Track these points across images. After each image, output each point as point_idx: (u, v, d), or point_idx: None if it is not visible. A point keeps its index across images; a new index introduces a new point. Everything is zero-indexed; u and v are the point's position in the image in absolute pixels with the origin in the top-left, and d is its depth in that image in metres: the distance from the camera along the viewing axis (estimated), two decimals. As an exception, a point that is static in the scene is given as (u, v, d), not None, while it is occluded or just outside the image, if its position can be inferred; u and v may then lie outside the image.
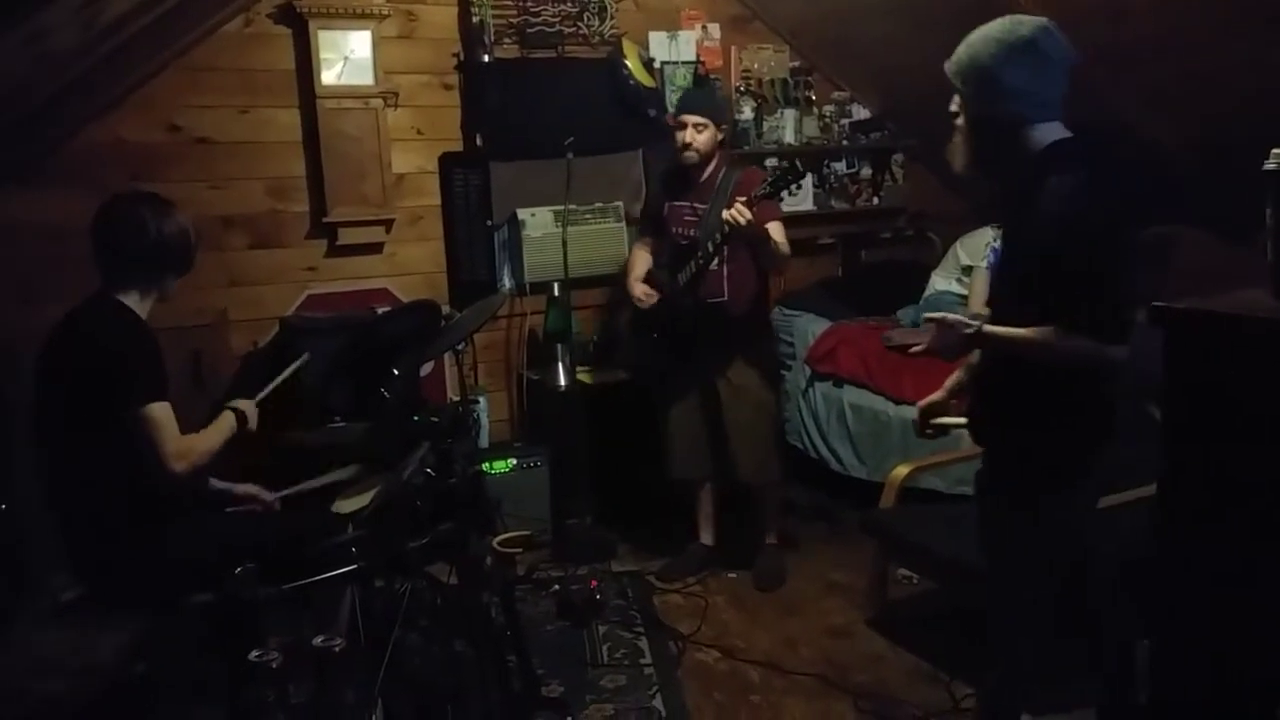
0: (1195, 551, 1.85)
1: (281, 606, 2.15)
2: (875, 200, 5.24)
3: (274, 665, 1.96)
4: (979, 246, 4.45)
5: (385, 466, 2.82)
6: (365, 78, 4.10)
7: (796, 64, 5.08)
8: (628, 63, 4.51)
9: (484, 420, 4.44)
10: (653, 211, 3.94)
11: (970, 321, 2.14)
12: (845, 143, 5.15)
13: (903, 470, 3.53)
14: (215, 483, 2.85)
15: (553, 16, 4.48)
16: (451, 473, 2.53)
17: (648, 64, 4.62)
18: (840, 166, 5.19)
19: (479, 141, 4.43)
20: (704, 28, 4.84)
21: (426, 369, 4.31)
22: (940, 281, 4.76)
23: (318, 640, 2.06)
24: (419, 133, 4.37)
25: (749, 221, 3.28)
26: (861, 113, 5.17)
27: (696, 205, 3.69)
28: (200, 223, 3.81)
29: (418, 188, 4.40)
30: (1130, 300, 2.04)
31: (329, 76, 4.05)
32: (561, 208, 4.21)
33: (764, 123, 4.95)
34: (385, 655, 2.25)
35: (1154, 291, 2.90)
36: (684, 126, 3.63)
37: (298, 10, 3.98)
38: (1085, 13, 3.45)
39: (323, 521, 2.74)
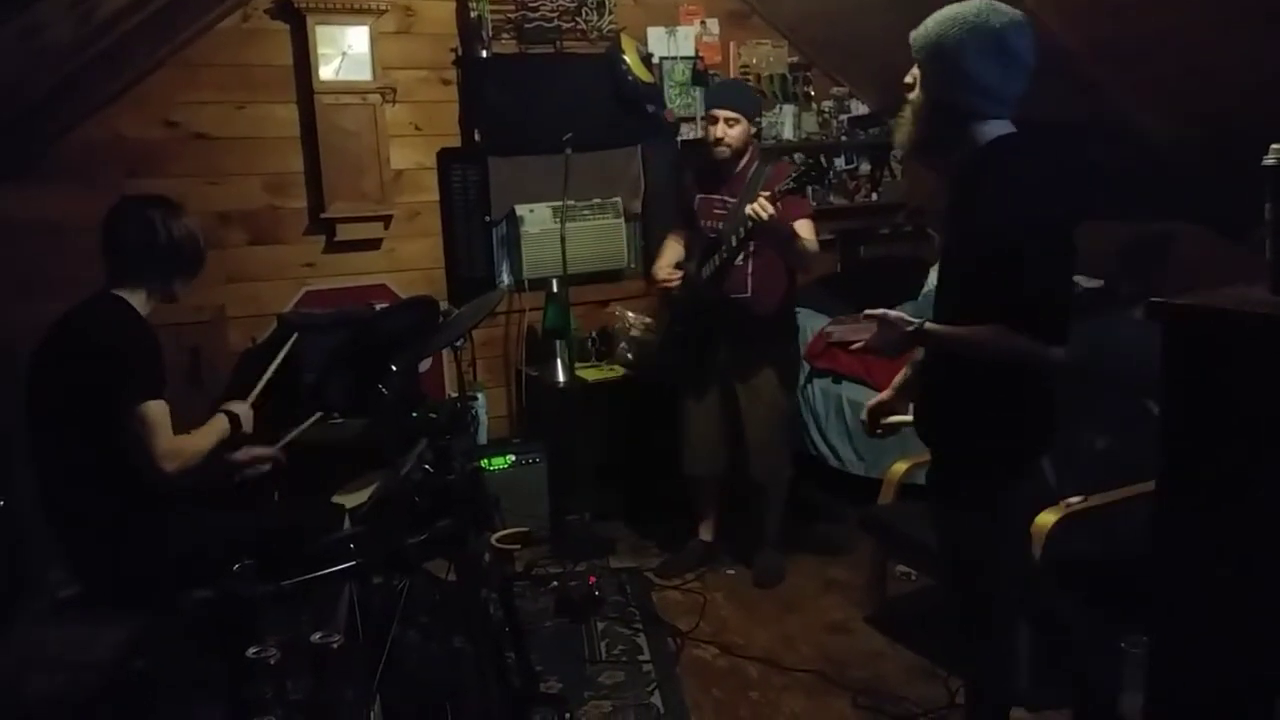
0: (1193, 547, 1.85)
1: (280, 603, 2.15)
2: (874, 196, 5.24)
3: (272, 662, 1.96)
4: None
5: (384, 463, 2.82)
6: (363, 73, 4.09)
7: (795, 59, 5.08)
8: (626, 58, 4.50)
9: (482, 417, 4.44)
10: (684, 203, 3.90)
11: (911, 319, 2.13)
12: (844, 139, 5.15)
13: (901, 467, 3.52)
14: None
15: (551, 12, 4.47)
16: (450, 469, 2.53)
17: (646, 59, 4.61)
18: (839, 162, 5.19)
19: (477, 137, 4.41)
20: (703, 23, 4.84)
21: (425, 365, 4.31)
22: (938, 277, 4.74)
23: (316, 637, 2.06)
24: (417, 128, 4.37)
25: (771, 217, 3.25)
26: (860, 108, 5.17)
27: (727, 199, 3.66)
28: (198, 219, 3.83)
29: (416, 184, 4.40)
30: (1069, 299, 2.03)
31: (327, 72, 4.04)
32: (560, 204, 4.20)
33: (763, 118, 4.94)
34: (383, 652, 2.25)
35: (1153, 286, 2.91)
36: (715, 121, 3.61)
37: (295, 6, 3.97)
38: (1087, 8, 3.45)
39: (321, 517, 2.73)
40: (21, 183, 3.63)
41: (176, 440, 2.52)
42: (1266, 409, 1.70)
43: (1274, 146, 1.70)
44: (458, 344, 3.22)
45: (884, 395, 2.50)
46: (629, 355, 4.44)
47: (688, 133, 4.79)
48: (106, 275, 2.60)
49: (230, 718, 2.05)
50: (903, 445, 3.92)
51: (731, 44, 4.93)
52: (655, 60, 4.69)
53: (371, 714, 2.18)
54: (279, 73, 4.08)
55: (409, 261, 4.41)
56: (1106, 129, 3.89)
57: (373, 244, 4.32)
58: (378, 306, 4.10)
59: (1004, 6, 2.00)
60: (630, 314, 4.58)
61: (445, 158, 4.42)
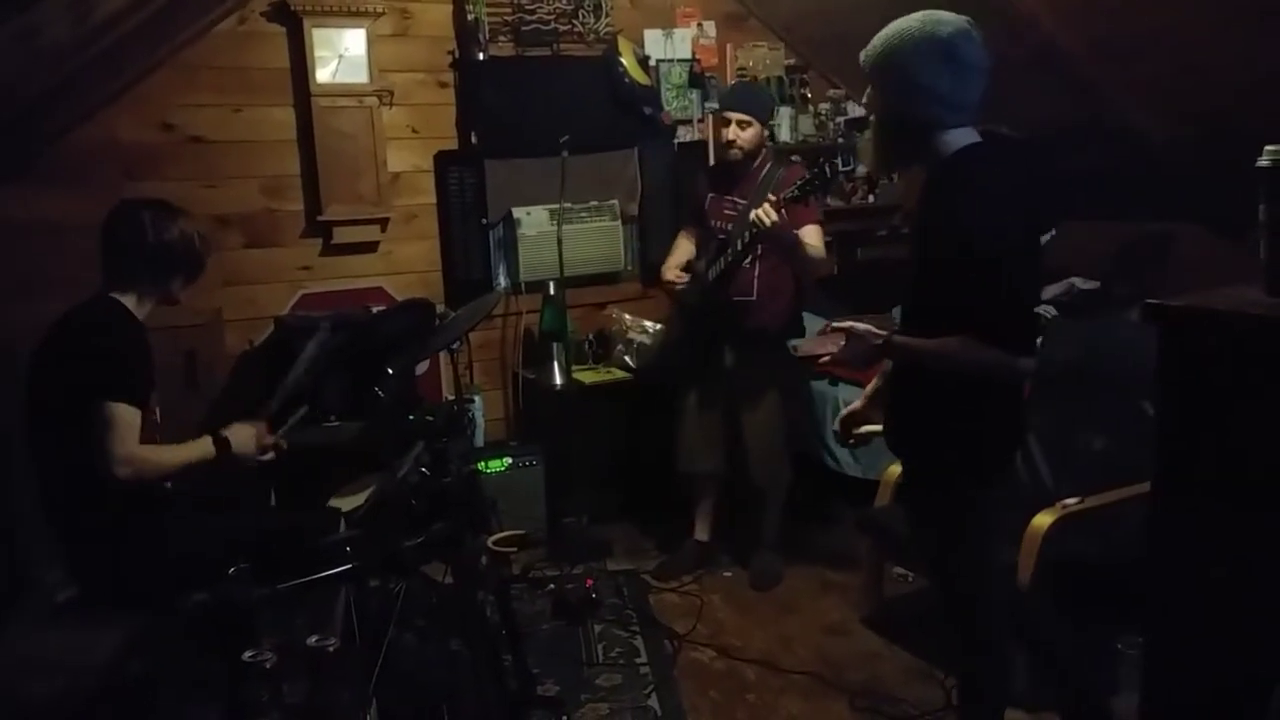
0: (1189, 548, 1.85)
1: (276, 606, 2.15)
2: (870, 198, 5.23)
3: (268, 665, 1.96)
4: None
5: (380, 465, 2.82)
6: (360, 76, 4.09)
7: (792, 62, 5.08)
8: (623, 61, 4.50)
9: (479, 419, 4.43)
10: (695, 203, 3.90)
11: (879, 331, 2.13)
12: (840, 141, 5.14)
13: (898, 468, 3.52)
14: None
15: (548, 14, 4.47)
16: (446, 472, 2.53)
17: (643, 62, 4.62)
18: (836, 165, 5.18)
19: (474, 140, 4.42)
20: (699, 25, 4.84)
21: (422, 368, 4.31)
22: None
23: (312, 640, 2.06)
24: (414, 131, 4.37)
25: (775, 222, 3.24)
26: (857, 110, 5.16)
27: (738, 200, 3.65)
28: (198, 222, 3.83)
29: (413, 186, 4.40)
30: (1035, 309, 2.03)
31: (323, 75, 4.04)
32: (557, 206, 4.20)
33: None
34: (380, 655, 2.24)
35: (1149, 288, 2.91)
36: (728, 123, 3.61)
37: (292, 8, 3.97)
38: (1082, 8, 3.46)
39: (318, 520, 2.73)
40: (19, 184, 3.63)
41: (139, 449, 2.46)
42: (1261, 410, 1.70)
43: (1268, 148, 1.70)
44: (454, 346, 3.21)
45: (856, 405, 2.51)
46: (626, 358, 4.45)
47: (685, 135, 4.80)
48: (104, 277, 2.60)
49: (226, 721, 2.05)
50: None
51: (728, 46, 4.93)
52: (652, 63, 4.69)
53: (368, 717, 2.18)
54: (275, 75, 4.08)
55: (406, 264, 4.41)
56: (1102, 129, 3.90)
57: (369, 247, 4.32)
58: (374, 309, 4.10)
59: (948, 15, 2.00)
60: (627, 316, 4.58)
61: (442, 160, 4.42)
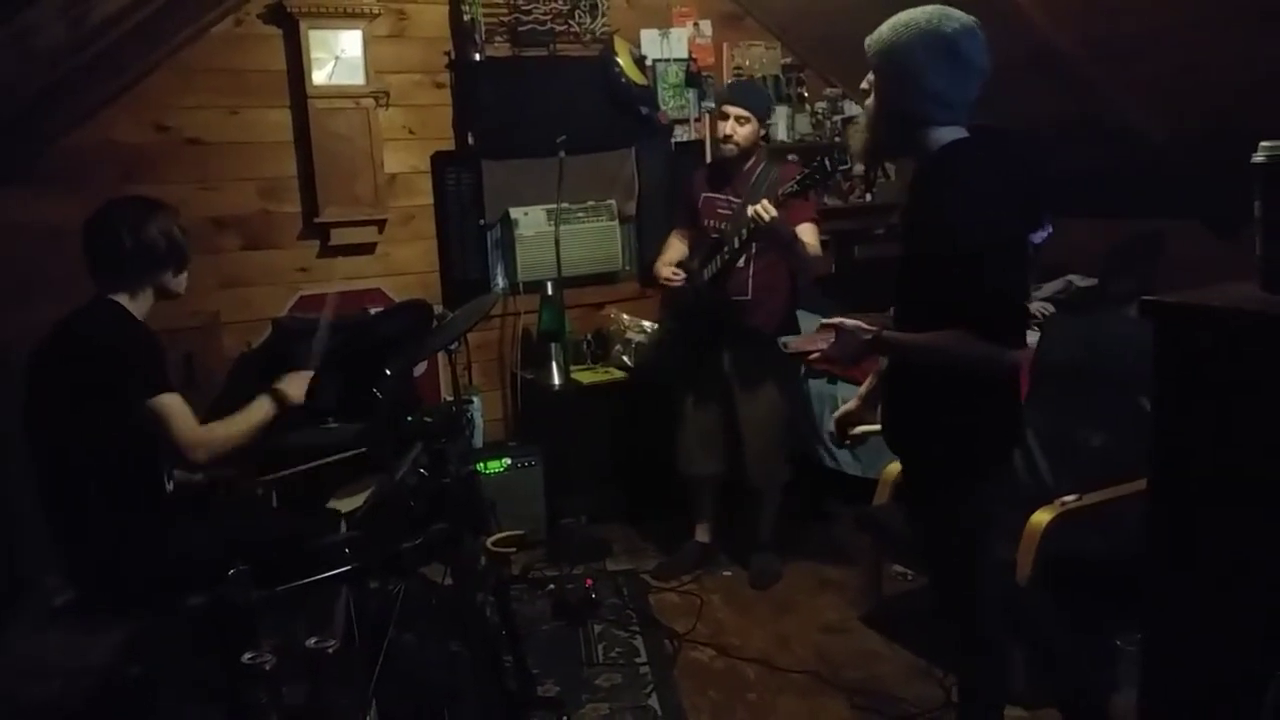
0: (1186, 545, 1.85)
1: (275, 608, 2.15)
2: (868, 197, 5.24)
3: (268, 667, 1.96)
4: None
5: (379, 467, 2.82)
6: (356, 77, 4.09)
7: (788, 61, 5.08)
8: (619, 60, 4.50)
9: (478, 420, 4.44)
10: (687, 201, 3.89)
11: (868, 327, 2.13)
12: (837, 139, 5.15)
13: (897, 467, 3.51)
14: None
15: (544, 14, 4.47)
16: (445, 473, 2.53)
17: (639, 61, 4.62)
18: (835, 159, 5.18)
19: (471, 140, 4.42)
20: (696, 25, 4.84)
21: (420, 369, 4.31)
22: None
23: (312, 642, 2.05)
24: (411, 132, 4.37)
25: (773, 219, 3.24)
26: (853, 109, 5.17)
27: (732, 199, 3.66)
28: (191, 224, 3.79)
29: (410, 187, 4.40)
30: (1024, 303, 2.04)
31: (320, 76, 4.04)
32: (554, 206, 4.20)
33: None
34: (380, 656, 2.24)
35: (1146, 284, 2.92)
36: (726, 118, 3.60)
37: (288, 10, 3.97)
38: (1079, 7, 3.46)
39: (317, 522, 2.73)
40: (16, 186, 3.63)
41: (201, 429, 2.52)
42: (1257, 405, 1.71)
43: (1264, 144, 1.70)
44: (453, 347, 3.21)
45: (851, 405, 2.51)
46: (625, 357, 4.45)
47: (681, 135, 4.80)
48: (95, 279, 2.59)
49: (226, 723, 2.05)
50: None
51: (724, 45, 4.94)
52: (648, 62, 4.69)
53: (368, 718, 2.18)
54: (272, 77, 4.08)
55: (403, 265, 4.41)
56: (1101, 128, 3.90)
57: (367, 248, 4.32)
58: (372, 311, 4.10)
59: (956, 12, 2.01)
60: (625, 316, 4.58)
61: (439, 161, 4.42)
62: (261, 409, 2.65)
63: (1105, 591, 2.64)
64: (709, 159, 4.69)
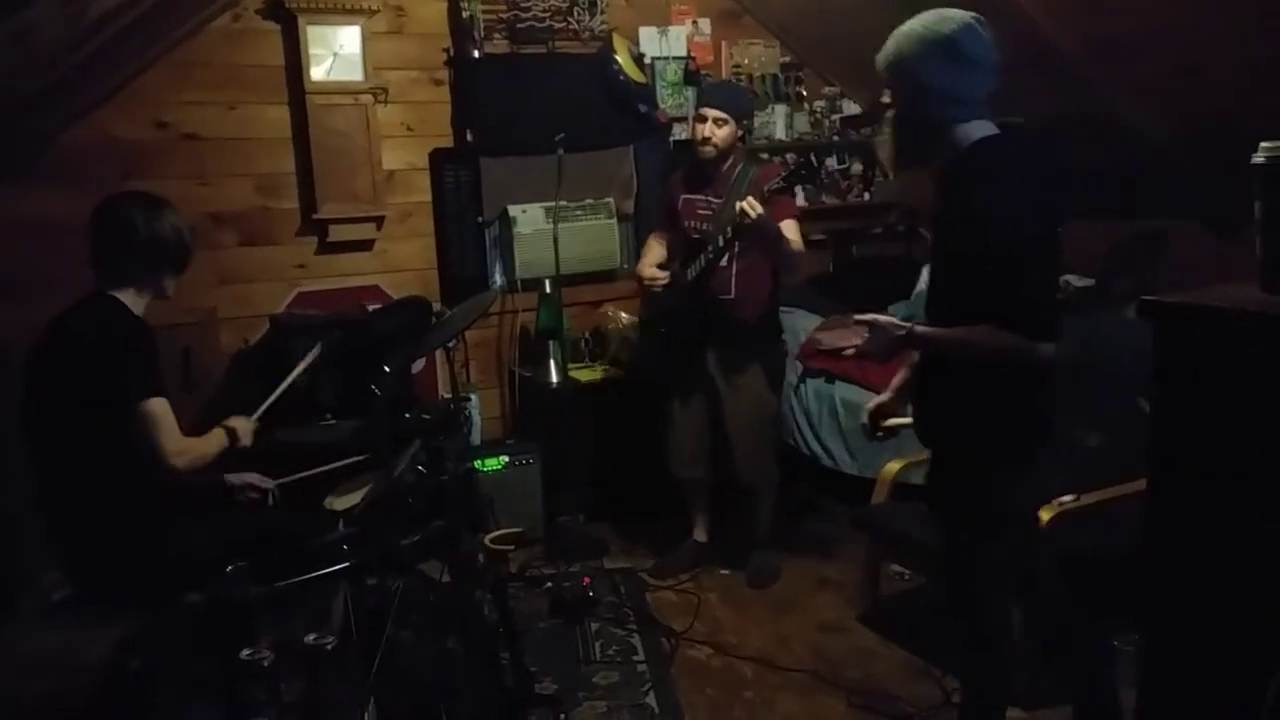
0: (1185, 545, 1.85)
1: (274, 604, 2.15)
2: (866, 196, 5.25)
3: (266, 663, 1.96)
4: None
5: (377, 464, 2.81)
6: (355, 74, 4.08)
7: (787, 59, 5.09)
8: (618, 58, 4.50)
9: (475, 417, 4.43)
10: (666, 204, 3.90)
11: (901, 323, 2.15)
12: (836, 138, 5.16)
13: (894, 466, 3.53)
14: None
15: (543, 12, 4.47)
16: (443, 470, 2.53)
17: (638, 59, 4.61)
18: (831, 162, 5.20)
19: (469, 137, 4.42)
20: (695, 23, 4.84)
21: (418, 366, 4.30)
22: (928, 279, 4.75)
23: (310, 638, 2.06)
24: (409, 129, 4.36)
25: (760, 215, 3.25)
26: (852, 108, 5.18)
27: (712, 199, 3.66)
28: (189, 220, 3.81)
29: (408, 184, 4.39)
30: (1055, 296, 2.05)
31: (318, 72, 4.03)
32: (552, 204, 4.19)
33: (755, 118, 4.95)
34: (378, 653, 2.24)
35: (1145, 285, 2.91)
36: (704, 120, 3.61)
37: (286, 6, 3.97)
38: (1078, 7, 3.46)
39: (314, 519, 2.73)
40: (14, 183, 3.62)
41: (184, 439, 2.52)
42: (1257, 406, 1.71)
43: (1264, 145, 1.70)
44: (450, 345, 3.21)
45: (884, 397, 2.51)
46: (621, 355, 4.44)
47: (680, 133, 4.80)
48: (96, 275, 2.59)
49: (224, 719, 2.05)
50: (896, 445, 3.93)
51: (723, 44, 4.94)
52: (647, 60, 4.69)
53: (365, 715, 2.18)
54: (270, 73, 4.07)
55: (401, 262, 4.41)
56: (1098, 127, 3.90)
57: (365, 245, 4.32)
58: (370, 308, 4.10)
59: (955, 12, 2.04)
60: (624, 314, 4.58)
61: (437, 158, 4.42)
62: (220, 438, 2.68)
63: (1102, 591, 2.64)
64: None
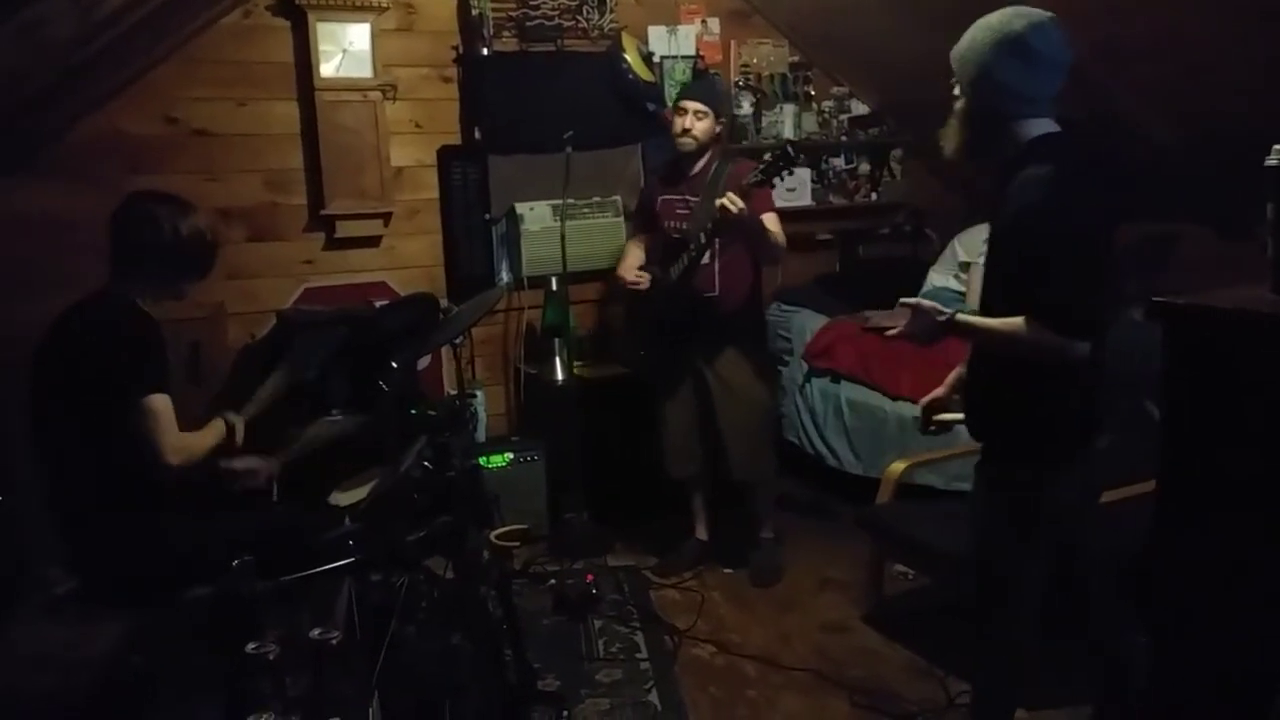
0: (1193, 546, 1.85)
1: (279, 599, 2.15)
2: (873, 196, 5.24)
3: (271, 658, 1.96)
4: (977, 243, 4.45)
5: (383, 459, 2.82)
6: (364, 70, 4.09)
7: (796, 59, 5.08)
8: (627, 57, 4.50)
9: (481, 414, 4.44)
10: (644, 205, 3.92)
11: (943, 309, 2.17)
12: (844, 138, 5.15)
13: (899, 466, 3.53)
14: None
15: (552, 10, 4.47)
16: (449, 466, 2.53)
17: (647, 58, 4.61)
18: (839, 162, 5.20)
19: (478, 135, 4.41)
20: (703, 22, 4.84)
21: (424, 363, 4.31)
22: (938, 278, 4.75)
23: (315, 633, 2.05)
24: (417, 126, 4.37)
25: (741, 210, 3.27)
26: (860, 108, 5.17)
27: (689, 198, 3.68)
28: (208, 217, 3.82)
29: (416, 181, 4.40)
30: (1102, 296, 2.04)
31: (327, 69, 4.04)
32: (560, 202, 4.20)
33: (763, 118, 4.95)
34: (382, 648, 2.25)
35: (1154, 287, 2.90)
36: (684, 113, 3.62)
37: (297, 2, 3.97)
38: (1086, 9, 3.45)
39: (320, 515, 2.73)
40: (23, 177, 3.63)
41: (182, 436, 2.52)
42: (1266, 407, 1.71)
43: (1276, 147, 1.70)
44: (457, 341, 3.22)
45: (938, 392, 2.52)
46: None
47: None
48: (112, 271, 2.58)
49: (229, 713, 2.05)
50: (900, 445, 3.94)
51: (732, 43, 4.94)
52: (656, 59, 4.69)
53: (370, 710, 2.18)
54: (280, 69, 4.08)
55: (409, 259, 4.41)
56: (1106, 129, 3.89)
57: (372, 241, 4.33)
58: (377, 304, 4.10)
59: (1030, 10, 2.07)
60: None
61: (445, 155, 4.42)
62: (220, 429, 2.67)
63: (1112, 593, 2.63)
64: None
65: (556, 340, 4.31)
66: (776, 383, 4.41)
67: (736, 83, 4.93)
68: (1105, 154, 2.13)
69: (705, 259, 3.59)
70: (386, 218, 4.31)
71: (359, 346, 3.52)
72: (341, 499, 2.83)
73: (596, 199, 4.58)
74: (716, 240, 3.53)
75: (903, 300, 2.28)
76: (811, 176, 5.05)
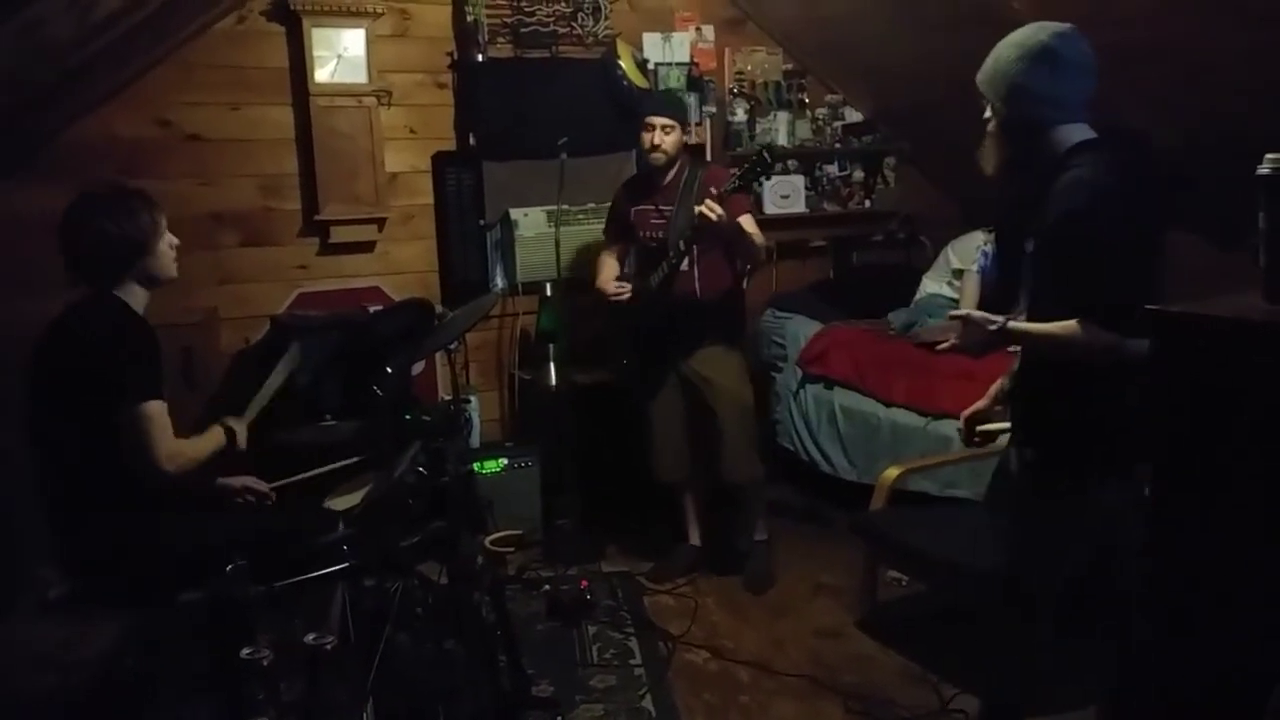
0: (1187, 553, 1.86)
1: (273, 604, 2.15)
2: (867, 203, 5.26)
3: (265, 663, 1.96)
4: (970, 250, 4.46)
5: (377, 465, 2.82)
6: (359, 76, 4.09)
7: (790, 67, 5.09)
8: (621, 64, 4.51)
9: (475, 420, 4.44)
10: (617, 217, 3.95)
11: (994, 318, 2.18)
12: (837, 146, 5.17)
13: (893, 472, 3.54)
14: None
15: (547, 16, 4.48)
16: (443, 472, 2.53)
17: (641, 65, 4.62)
18: (832, 169, 5.21)
19: (472, 141, 4.42)
20: (698, 30, 4.85)
21: (418, 368, 4.31)
22: (931, 284, 4.77)
23: (309, 638, 2.06)
24: (412, 131, 4.37)
25: (720, 217, 3.30)
26: (854, 116, 5.19)
27: (662, 207, 3.71)
28: (191, 220, 3.82)
29: (410, 187, 4.40)
30: (1149, 295, 2.05)
31: (322, 74, 4.04)
32: (554, 208, 4.21)
33: (757, 125, 4.97)
34: (376, 654, 2.25)
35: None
36: (652, 129, 3.66)
37: (291, 8, 3.97)
38: (1081, 16, 3.46)
39: (314, 519, 2.73)
40: (17, 179, 3.62)
41: (177, 442, 2.51)
42: (1260, 417, 1.71)
43: (1269, 156, 1.71)
44: (451, 347, 3.22)
45: (981, 404, 2.52)
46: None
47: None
48: (88, 280, 2.55)
49: (223, 718, 2.05)
50: (894, 451, 3.95)
51: (726, 50, 4.95)
52: (650, 66, 4.70)
53: (364, 715, 2.18)
54: (274, 74, 4.08)
55: (403, 264, 4.41)
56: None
57: (367, 246, 4.32)
58: (371, 309, 4.10)
59: (1050, 23, 2.13)
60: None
61: (440, 161, 4.42)
62: (218, 437, 2.66)
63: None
64: (709, 159, 4.71)
65: (550, 346, 4.31)
66: (773, 387, 4.40)
67: (731, 90, 4.94)
68: (1143, 156, 2.16)
69: (684, 265, 3.61)
70: (381, 223, 4.31)
71: (353, 352, 3.52)
72: (336, 504, 2.82)
73: (591, 205, 4.57)
74: (694, 246, 3.55)
75: (952, 313, 2.31)
76: (805, 184, 5.06)
